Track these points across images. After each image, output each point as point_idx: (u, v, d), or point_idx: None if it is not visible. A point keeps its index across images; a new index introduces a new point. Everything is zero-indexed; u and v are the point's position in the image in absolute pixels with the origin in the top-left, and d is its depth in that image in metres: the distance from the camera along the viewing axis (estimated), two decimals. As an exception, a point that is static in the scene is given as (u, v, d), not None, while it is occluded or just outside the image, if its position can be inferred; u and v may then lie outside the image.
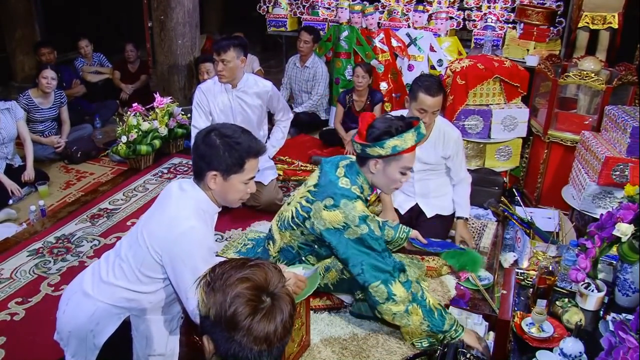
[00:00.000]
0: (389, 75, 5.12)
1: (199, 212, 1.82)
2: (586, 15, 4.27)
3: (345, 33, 5.20)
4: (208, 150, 1.79)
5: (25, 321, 2.64)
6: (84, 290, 1.90)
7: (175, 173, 4.31)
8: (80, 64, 5.78)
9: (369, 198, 2.36)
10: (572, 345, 1.83)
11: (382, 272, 2.16)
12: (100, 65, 5.92)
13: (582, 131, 3.26)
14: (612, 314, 2.02)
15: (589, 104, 3.47)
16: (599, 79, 3.28)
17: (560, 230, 3.02)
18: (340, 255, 2.22)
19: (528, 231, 2.98)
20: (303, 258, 2.40)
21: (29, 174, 3.94)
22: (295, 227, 2.33)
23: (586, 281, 2.13)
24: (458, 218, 3.06)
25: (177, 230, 1.76)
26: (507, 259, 2.85)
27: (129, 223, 3.54)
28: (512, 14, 5.07)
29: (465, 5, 5.34)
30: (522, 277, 2.39)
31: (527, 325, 2.02)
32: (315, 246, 2.36)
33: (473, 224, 3.24)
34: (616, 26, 4.23)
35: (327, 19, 5.67)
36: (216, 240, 3.28)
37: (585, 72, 3.31)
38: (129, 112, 4.35)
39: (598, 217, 2.26)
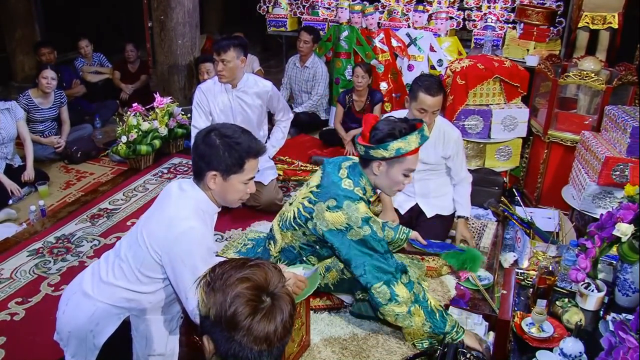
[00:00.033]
0: (389, 75, 5.12)
1: (198, 212, 1.82)
2: (586, 15, 4.27)
3: (345, 33, 5.19)
4: (208, 150, 1.79)
5: (25, 321, 2.63)
6: (84, 291, 1.90)
7: (175, 173, 4.31)
8: (80, 64, 5.78)
9: (371, 199, 2.36)
10: (572, 345, 1.83)
11: (385, 274, 2.16)
12: (100, 65, 5.92)
13: (582, 131, 3.26)
14: (612, 314, 2.02)
15: (589, 104, 3.47)
16: (599, 79, 3.28)
17: (560, 230, 3.02)
18: (343, 257, 2.22)
19: (528, 231, 2.98)
20: (304, 258, 2.39)
21: (29, 174, 3.94)
22: (297, 228, 2.33)
23: (586, 281, 2.14)
24: (459, 217, 3.06)
25: (177, 230, 1.76)
26: (507, 259, 2.84)
27: (129, 223, 3.54)
28: (512, 14, 5.07)
29: (465, 5, 5.34)
30: (522, 277, 2.40)
31: (527, 325, 2.02)
32: (317, 247, 2.35)
33: (473, 224, 3.24)
34: (616, 26, 4.23)
35: (327, 19, 5.67)
36: (216, 240, 3.28)
37: (585, 72, 3.31)
38: (129, 112, 4.35)
39: (598, 217, 2.26)
